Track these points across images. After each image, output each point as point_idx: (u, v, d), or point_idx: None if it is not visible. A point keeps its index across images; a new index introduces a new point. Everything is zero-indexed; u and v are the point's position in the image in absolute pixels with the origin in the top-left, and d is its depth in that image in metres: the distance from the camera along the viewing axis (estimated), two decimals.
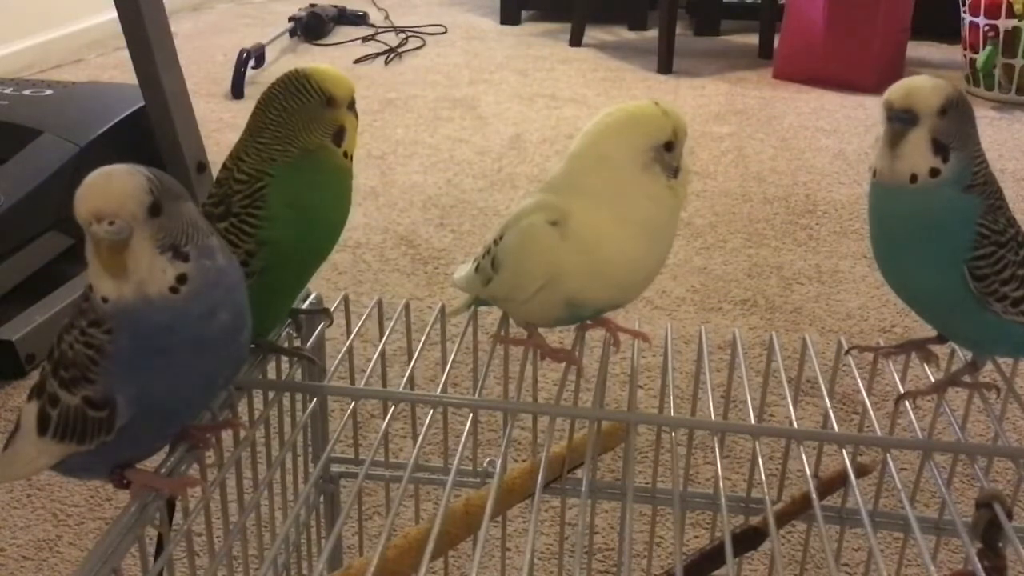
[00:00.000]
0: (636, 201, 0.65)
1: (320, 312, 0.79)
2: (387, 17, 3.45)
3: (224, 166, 0.67)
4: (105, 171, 0.52)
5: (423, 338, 0.76)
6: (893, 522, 0.79)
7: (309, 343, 0.78)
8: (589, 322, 0.75)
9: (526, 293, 0.68)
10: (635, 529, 1.04)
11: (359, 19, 3.40)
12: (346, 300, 0.80)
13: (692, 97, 2.66)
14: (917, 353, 0.74)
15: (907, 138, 0.63)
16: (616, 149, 0.65)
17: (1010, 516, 0.61)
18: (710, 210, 1.96)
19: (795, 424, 0.70)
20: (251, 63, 2.70)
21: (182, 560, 0.67)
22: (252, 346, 0.69)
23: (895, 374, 0.76)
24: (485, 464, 0.82)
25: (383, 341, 0.76)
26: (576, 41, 3.19)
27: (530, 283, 0.67)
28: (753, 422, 0.69)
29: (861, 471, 0.71)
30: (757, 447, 0.68)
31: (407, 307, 0.81)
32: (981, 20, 2.58)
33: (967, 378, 0.71)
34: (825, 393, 0.73)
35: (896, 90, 0.64)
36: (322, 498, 0.86)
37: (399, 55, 3.07)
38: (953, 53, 2.98)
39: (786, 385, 0.73)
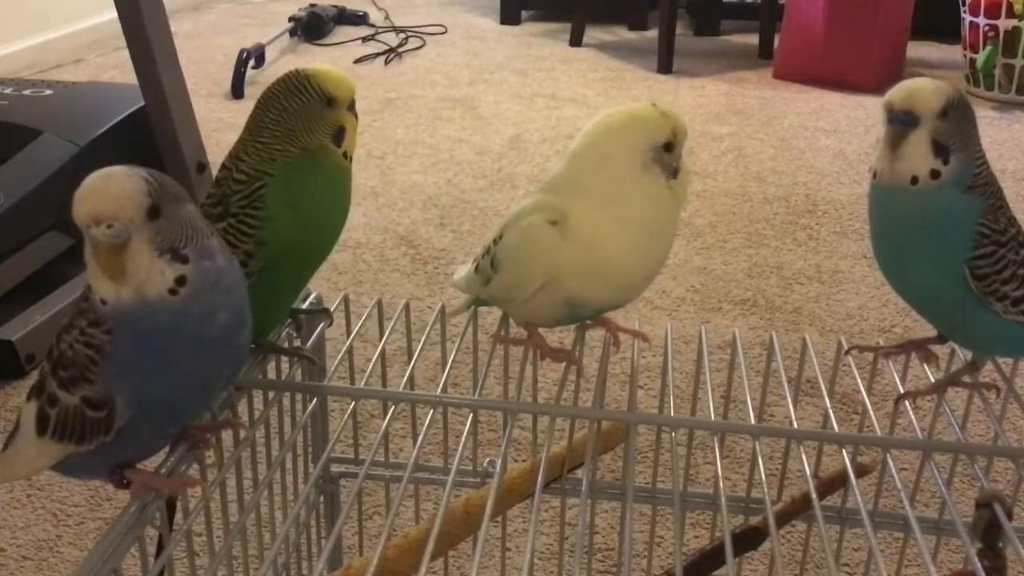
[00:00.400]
0: (636, 201, 0.65)
1: (320, 312, 0.79)
2: (387, 17, 3.45)
3: (223, 166, 0.67)
4: (103, 173, 0.52)
5: (423, 338, 0.76)
6: (893, 522, 0.79)
7: (309, 343, 0.78)
8: (589, 322, 0.75)
9: (526, 293, 0.68)
10: (635, 529, 1.04)
11: (359, 19, 3.41)
12: (346, 300, 0.80)
13: (692, 97, 2.66)
14: (917, 353, 0.74)
15: (907, 140, 0.63)
16: (616, 150, 0.65)
17: (1010, 516, 0.61)
18: (710, 210, 1.96)
19: (795, 424, 0.70)
20: (251, 63, 2.70)
21: (182, 560, 0.67)
22: (252, 346, 0.69)
23: (895, 374, 0.76)
24: (485, 464, 0.82)
25: (383, 341, 0.76)
26: (576, 41, 3.19)
27: (530, 283, 0.67)
28: (753, 422, 0.69)
29: (861, 471, 0.71)
30: (757, 447, 0.68)
31: (407, 307, 0.81)
32: (981, 20, 2.58)
33: (967, 378, 0.71)
34: (825, 393, 0.73)
35: (897, 92, 0.64)
36: (322, 498, 0.86)
37: (399, 55, 3.07)
38: (953, 53, 2.98)
39: (786, 385, 0.73)
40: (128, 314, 0.52)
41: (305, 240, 0.67)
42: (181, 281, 0.53)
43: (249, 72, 2.68)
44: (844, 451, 0.67)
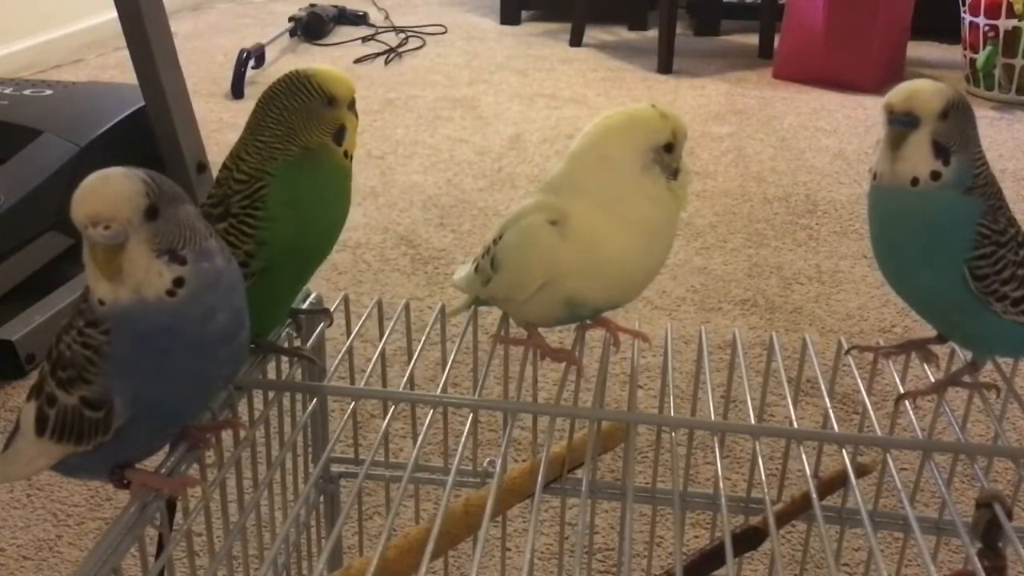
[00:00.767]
0: (636, 202, 0.65)
1: (320, 312, 0.79)
2: (387, 17, 3.45)
3: (224, 166, 0.67)
4: (102, 174, 0.52)
5: (423, 338, 0.76)
6: (893, 522, 0.79)
7: (309, 343, 0.78)
8: (589, 322, 0.75)
9: (525, 292, 0.68)
10: (635, 529, 1.04)
11: (359, 19, 3.41)
12: (346, 300, 0.80)
13: (692, 97, 2.66)
14: (917, 353, 0.74)
15: (908, 141, 0.63)
16: (616, 151, 0.65)
17: (1010, 516, 0.61)
18: (710, 210, 1.96)
19: (795, 424, 0.70)
20: (251, 63, 2.70)
21: (182, 560, 0.67)
22: (252, 346, 0.69)
23: (895, 374, 0.76)
24: (485, 464, 0.82)
25: (383, 341, 0.76)
26: (576, 41, 3.19)
27: (529, 282, 0.67)
28: (753, 422, 0.69)
29: (861, 471, 0.71)
30: (757, 447, 0.68)
31: (407, 307, 0.81)
32: (981, 20, 2.58)
33: (967, 378, 0.71)
34: (825, 393, 0.73)
35: (897, 93, 0.64)
36: (322, 498, 0.86)
37: (399, 55, 3.07)
38: (953, 53, 2.98)
39: (786, 385, 0.73)
40: (126, 315, 0.52)
41: (305, 240, 0.67)
42: (179, 282, 0.53)
43: (249, 72, 2.68)
44: (844, 451, 0.67)
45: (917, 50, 3.04)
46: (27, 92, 1.78)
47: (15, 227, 1.51)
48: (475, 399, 0.70)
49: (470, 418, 0.72)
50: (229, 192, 0.65)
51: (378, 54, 3.06)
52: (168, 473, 0.60)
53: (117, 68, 2.85)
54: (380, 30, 3.31)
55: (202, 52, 3.06)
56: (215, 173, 0.67)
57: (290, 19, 3.21)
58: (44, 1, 3.00)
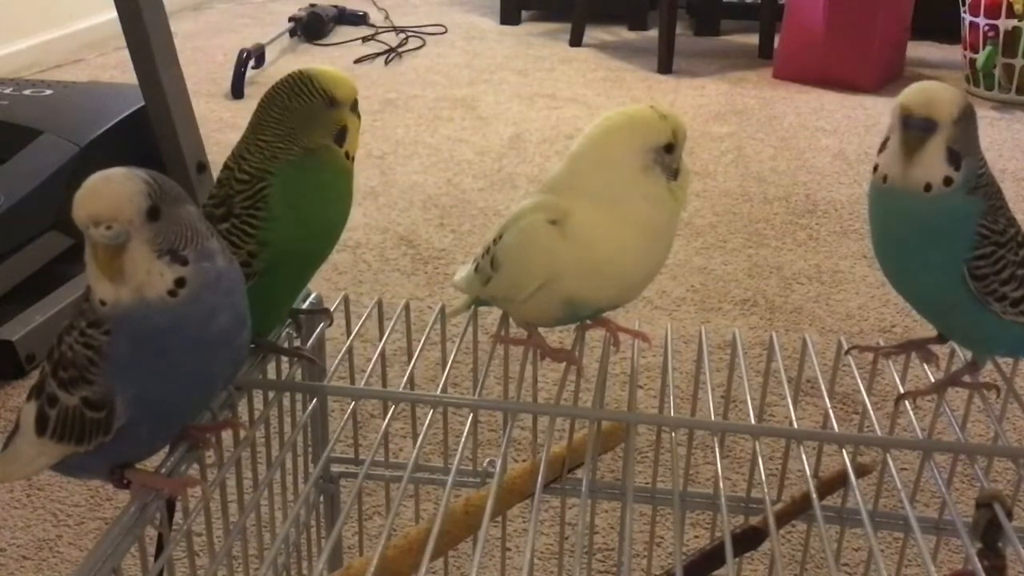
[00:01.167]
0: (636, 203, 0.65)
1: (320, 312, 0.79)
2: (387, 17, 3.45)
3: (226, 165, 0.67)
4: (103, 175, 0.52)
5: (423, 338, 0.76)
6: (893, 522, 0.79)
7: (309, 343, 0.78)
8: (589, 322, 0.75)
9: (525, 292, 0.68)
10: (635, 529, 1.04)
11: (359, 19, 3.40)
12: (346, 300, 0.80)
13: (692, 97, 2.66)
14: (917, 353, 0.74)
15: (925, 147, 0.62)
16: (616, 151, 0.65)
17: (1010, 516, 0.61)
18: (710, 210, 1.96)
19: (795, 424, 0.70)
20: (251, 63, 2.70)
21: (182, 560, 0.67)
22: (252, 346, 0.69)
23: (895, 374, 0.76)
24: (485, 464, 0.82)
25: (383, 341, 0.76)
26: (576, 41, 3.19)
27: (529, 282, 0.67)
28: (753, 422, 0.69)
29: (861, 471, 0.71)
30: (757, 447, 0.68)
31: (407, 307, 0.81)
32: (981, 20, 2.58)
33: (967, 378, 0.71)
34: (825, 393, 0.73)
35: (915, 97, 0.63)
36: (322, 498, 0.86)
37: (399, 55, 3.07)
38: (953, 53, 2.98)
39: (786, 385, 0.73)
40: (127, 315, 0.52)
41: (306, 240, 0.67)
42: (180, 283, 0.53)
43: (249, 72, 2.68)
44: (844, 451, 0.67)
45: (917, 50, 3.04)
46: (27, 92, 1.78)
47: (15, 227, 1.51)
48: (475, 399, 0.70)
49: (470, 418, 0.72)
50: (231, 192, 0.65)
51: (378, 54, 3.06)
52: (168, 473, 0.60)
53: (117, 68, 2.85)
54: (380, 30, 3.31)
55: (202, 52, 3.06)
56: (215, 173, 0.67)
57: (290, 19, 3.21)
58: (44, 1, 3.00)
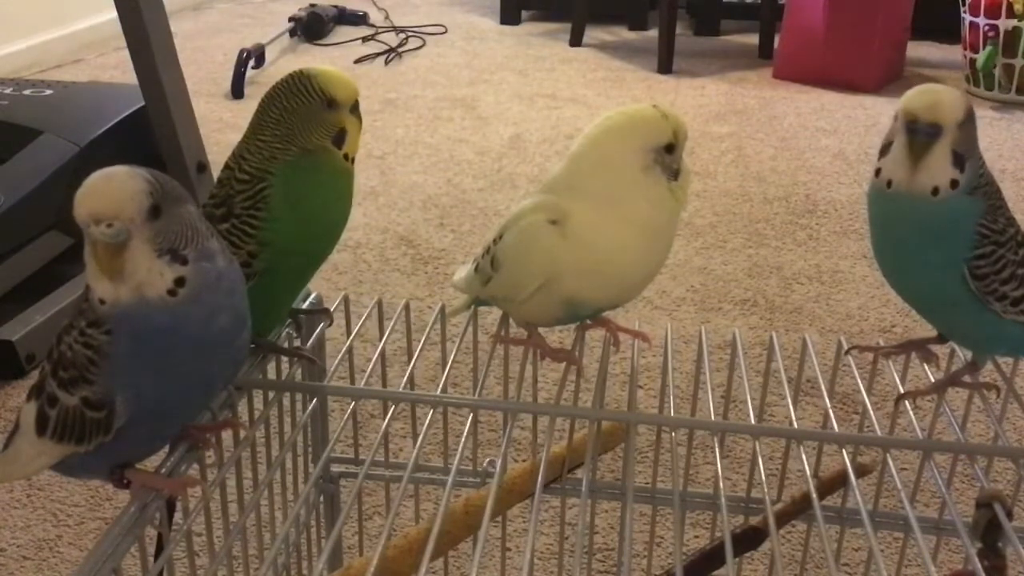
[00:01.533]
0: (636, 203, 0.65)
1: (320, 312, 0.79)
2: (387, 17, 3.45)
3: (226, 165, 0.67)
4: (105, 173, 0.52)
5: (423, 338, 0.76)
6: (893, 522, 0.79)
7: (309, 343, 0.78)
8: (589, 322, 0.75)
9: (525, 292, 0.68)
10: (635, 529, 1.04)
11: (359, 19, 3.40)
12: (346, 300, 0.80)
13: (692, 97, 2.66)
14: (917, 353, 0.74)
15: (932, 151, 0.62)
16: (617, 151, 0.65)
17: (1010, 516, 0.61)
18: (710, 210, 1.96)
19: (795, 424, 0.70)
20: (251, 63, 2.70)
21: (182, 560, 0.67)
22: (252, 346, 0.69)
23: (895, 374, 0.76)
24: (485, 464, 0.82)
25: (383, 341, 0.76)
26: (576, 41, 3.19)
27: (529, 282, 0.67)
28: (753, 422, 0.69)
29: (861, 471, 0.71)
30: (757, 447, 0.68)
31: (407, 307, 0.81)
32: (981, 20, 2.58)
33: (967, 378, 0.71)
34: (825, 393, 0.73)
35: (920, 102, 0.63)
36: (322, 498, 0.86)
37: (399, 55, 3.07)
38: (953, 53, 2.98)
39: (786, 385, 0.73)
40: (127, 315, 0.52)
41: (306, 240, 0.67)
42: (180, 282, 0.53)
43: (249, 72, 2.68)
44: (844, 451, 0.67)
45: (917, 50, 3.04)
46: (27, 92, 1.78)
47: (15, 227, 1.51)
48: (475, 399, 0.70)
49: (470, 418, 0.72)
50: (232, 192, 0.65)
51: (378, 54, 3.06)
52: (168, 473, 0.60)
53: (117, 68, 2.85)
54: (380, 30, 3.31)
55: (202, 52, 3.06)
56: (215, 173, 0.67)
57: (290, 19, 3.21)
58: (44, 1, 3.00)
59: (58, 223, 1.56)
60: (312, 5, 3.32)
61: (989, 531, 0.61)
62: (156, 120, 1.65)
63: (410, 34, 3.26)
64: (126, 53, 1.63)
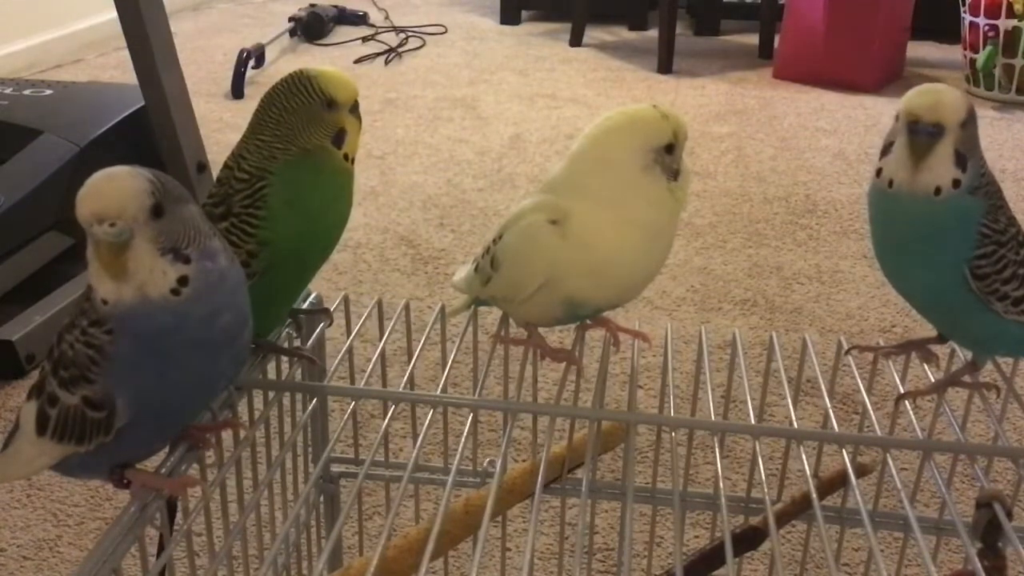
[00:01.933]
0: (636, 203, 0.65)
1: (320, 312, 0.79)
2: (387, 17, 3.45)
3: (226, 165, 0.67)
4: (107, 172, 0.52)
5: (423, 338, 0.76)
6: (893, 522, 0.79)
7: (309, 343, 0.78)
8: (589, 322, 0.75)
9: (525, 292, 0.68)
10: (635, 529, 1.04)
11: (359, 19, 3.40)
12: (346, 300, 0.80)
13: (692, 97, 2.66)
14: (917, 353, 0.74)
15: (934, 152, 0.62)
16: (617, 151, 0.65)
17: (1010, 516, 0.61)
18: (710, 210, 1.96)
19: (795, 424, 0.70)
20: (251, 63, 2.70)
21: (182, 560, 0.67)
22: (252, 346, 0.69)
23: (895, 374, 0.76)
24: (485, 464, 0.82)
25: (383, 341, 0.76)
26: (576, 41, 3.19)
27: (529, 282, 0.67)
28: (753, 422, 0.69)
29: (861, 471, 0.71)
30: (757, 447, 0.68)
31: (407, 307, 0.81)
32: (981, 20, 2.58)
33: (967, 378, 0.71)
34: (825, 393, 0.73)
35: (922, 103, 0.63)
36: (322, 498, 0.86)
37: (399, 55, 3.07)
38: (953, 53, 2.98)
39: (786, 385, 0.73)
40: (129, 314, 0.52)
41: (306, 240, 0.67)
42: (183, 281, 0.53)
43: (249, 72, 2.68)
44: (844, 451, 0.67)
45: (917, 50, 3.04)
46: (27, 92, 1.78)
47: (15, 227, 1.51)
48: (475, 399, 0.70)
49: (470, 418, 0.72)
50: (231, 191, 0.65)
51: (378, 54, 3.06)
52: (168, 473, 0.60)
53: (117, 68, 2.85)
54: (380, 30, 3.31)
55: (202, 52, 3.06)
56: (215, 173, 0.67)
57: (290, 19, 3.21)
58: (44, 1, 3.00)
59: (58, 223, 1.56)
60: (312, 5, 3.32)
61: (989, 531, 0.61)
62: (156, 120, 1.65)
63: (410, 34, 3.26)
64: (126, 53, 1.63)
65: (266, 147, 0.65)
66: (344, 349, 0.77)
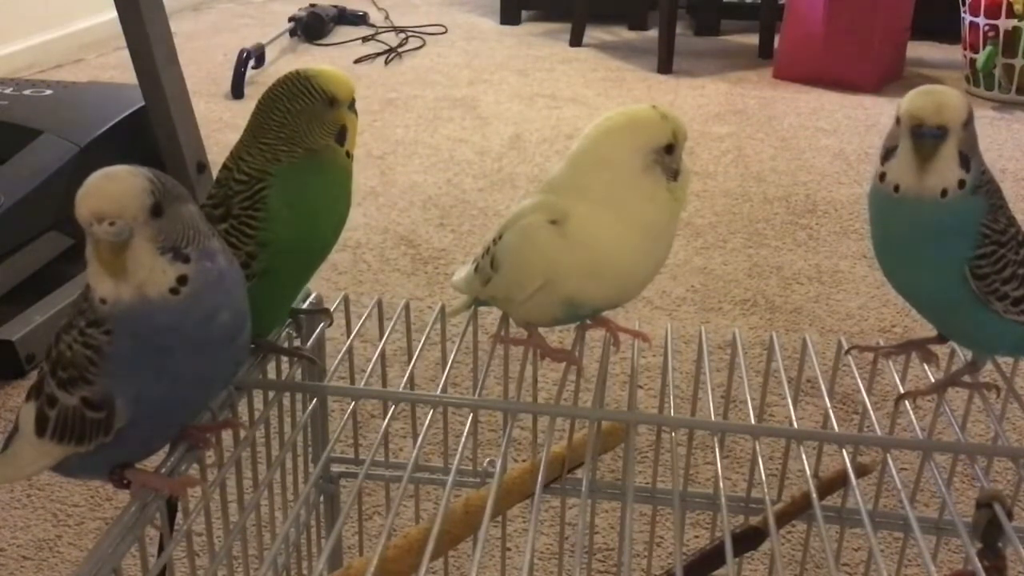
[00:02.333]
0: (636, 203, 0.65)
1: (320, 312, 0.79)
2: (387, 17, 3.45)
3: (224, 166, 0.67)
4: (107, 172, 0.52)
5: (423, 338, 0.76)
6: (893, 522, 0.79)
7: (309, 343, 0.78)
8: (589, 322, 0.75)
9: (525, 292, 0.68)
10: (635, 529, 1.04)
11: (359, 19, 3.41)
12: (346, 300, 0.80)
13: (692, 97, 2.66)
14: (917, 353, 0.74)
15: (939, 154, 0.62)
16: (616, 152, 0.65)
17: (1010, 516, 0.61)
18: (710, 210, 1.96)
19: (795, 424, 0.70)
20: (251, 63, 2.70)
21: (182, 560, 0.67)
22: (252, 346, 0.69)
23: (895, 374, 0.76)
24: (485, 464, 0.82)
25: (383, 341, 0.76)
26: (576, 41, 3.19)
27: (529, 282, 0.67)
28: (753, 422, 0.69)
29: (861, 471, 0.71)
30: (757, 447, 0.68)
31: (407, 307, 0.81)
32: (981, 20, 2.58)
33: (967, 378, 0.71)
34: (825, 393, 0.73)
35: (925, 105, 0.62)
36: (322, 498, 0.86)
37: (399, 55, 3.07)
38: (953, 53, 2.98)
39: (786, 385, 0.73)
40: (128, 314, 0.52)
41: (306, 240, 0.67)
42: (182, 280, 0.53)
43: (249, 72, 2.68)
44: (844, 451, 0.67)
45: (917, 50, 3.04)
46: (27, 92, 1.78)
47: (15, 227, 1.51)
48: (475, 399, 0.70)
49: (470, 418, 0.72)
50: (230, 193, 0.65)
51: (378, 54, 3.06)
52: (168, 473, 0.60)
53: (117, 68, 2.85)
54: (380, 30, 3.31)
55: (202, 52, 3.06)
56: (215, 173, 0.67)
57: (290, 19, 3.21)
58: (44, 1, 3.00)
59: (58, 223, 1.56)
60: (312, 5, 3.32)
61: (989, 531, 0.61)
62: (156, 120, 1.65)
63: (410, 34, 3.26)
64: (126, 53, 1.63)
65: (269, 150, 0.65)
66: (344, 349, 0.77)
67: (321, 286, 1.59)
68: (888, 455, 0.67)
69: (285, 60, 2.97)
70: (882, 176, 0.65)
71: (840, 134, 2.39)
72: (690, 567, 0.71)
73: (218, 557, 0.59)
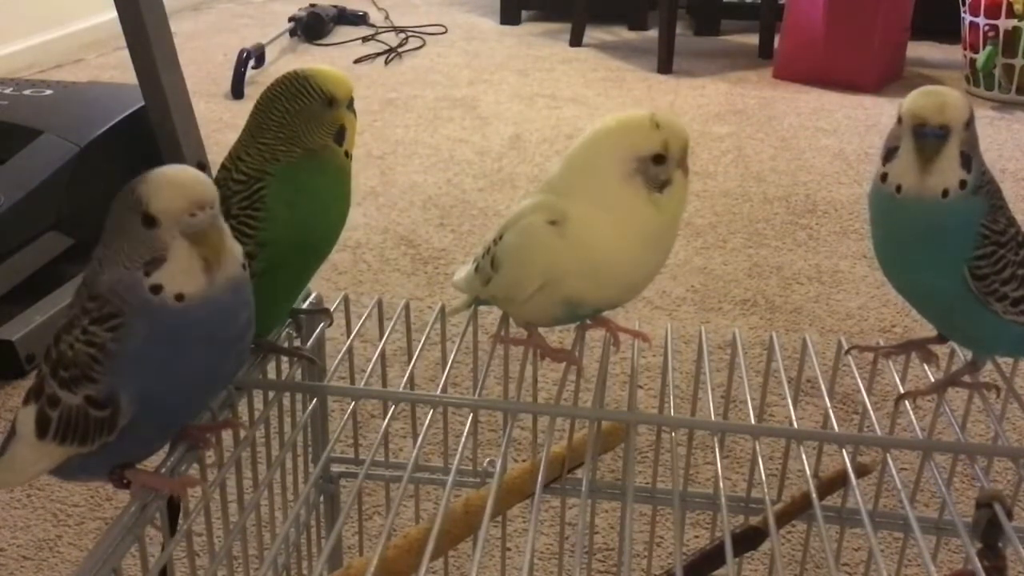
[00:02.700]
0: (621, 210, 0.64)
1: (320, 312, 0.79)
2: (387, 17, 3.45)
3: (223, 166, 0.67)
4: (168, 169, 0.53)
5: (423, 338, 0.76)
6: (893, 522, 0.79)
7: (309, 343, 0.78)
8: (589, 322, 0.75)
9: (525, 292, 0.68)
10: (635, 529, 1.04)
11: (359, 19, 3.40)
12: (346, 300, 0.80)
13: (692, 97, 2.66)
14: (917, 353, 0.74)
15: (942, 154, 0.62)
16: (601, 156, 0.64)
17: (1010, 516, 0.61)
18: (710, 210, 1.96)
19: (795, 424, 0.70)
20: (251, 63, 2.70)
21: (182, 560, 0.67)
22: (252, 346, 0.69)
23: (895, 374, 0.76)
24: (485, 464, 0.82)
25: (383, 341, 0.76)
26: (576, 41, 3.19)
27: (529, 282, 0.67)
28: (753, 422, 0.69)
29: (861, 471, 0.71)
30: (757, 447, 0.68)
31: (407, 307, 0.81)
32: (981, 20, 2.58)
33: (967, 378, 0.71)
34: (825, 393, 0.73)
35: (927, 105, 0.62)
36: (322, 498, 0.86)
37: (399, 55, 3.07)
38: (953, 53, 2.98)
39: (786, 385, 0.73)
40: (144, 311, 0.52)
41: (306, 240, 0.67)
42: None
43: (249, 72, 2.68)
44: (844, 451, 0.67)
45: (917, 50, 3.04)
46: (27, 92, 1.78)
47: (15, 227, 1.51)
48: (475, 399, 0.70)
49: (470, 418, 0.72)
50: (228, 193, 0.65)
51: (378, 54, 3.06)
52: (168, 473, 0.60)
53: (117, 68, 2.85)
54: (380, 30, 3.31)
55: (202, 52, 3.06)
56: (215, 173, 0.67)
57: (290, 19, 3.21)
58: (44, 1, 3.00)
59: (58, 223, 1.56)
60: (312, 5, 3.32)
61: (989, 531, 0.61)
62: (156, 120, 1.65)
63: (410, 34, 3.26)
64: (126, 53, 1.63)
65: (268, 149, 0.65)
66: (344, 349, 0.77)
67: (321, 286, 1.59)
68: (888, 455, 0.67)
69: (285, 60, 2.97)
70: (884, 177, 0.65)
71: (840, 134, 2.39)
72: (690, 567, 0.71)
73: (218, 557, 0.59)
